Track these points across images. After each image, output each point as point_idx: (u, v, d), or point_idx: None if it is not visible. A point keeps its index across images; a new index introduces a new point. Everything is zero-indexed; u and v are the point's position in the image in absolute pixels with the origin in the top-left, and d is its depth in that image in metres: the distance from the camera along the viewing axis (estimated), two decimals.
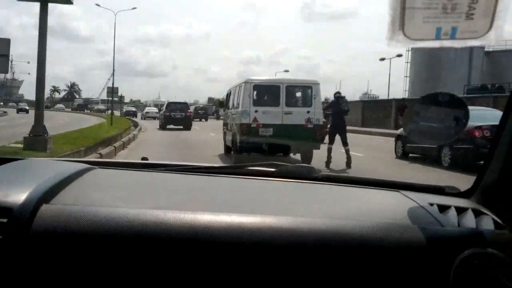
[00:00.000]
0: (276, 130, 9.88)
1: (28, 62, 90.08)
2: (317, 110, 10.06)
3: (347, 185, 1.26)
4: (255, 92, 10.14)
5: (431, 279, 0.85)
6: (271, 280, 0.85)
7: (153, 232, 0.85)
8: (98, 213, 0.88)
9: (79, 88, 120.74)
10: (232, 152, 10.88)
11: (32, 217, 0.85)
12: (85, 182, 1.08)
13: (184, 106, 28.39)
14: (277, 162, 1.37)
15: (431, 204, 1.06)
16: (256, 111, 9.89)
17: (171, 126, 26.18)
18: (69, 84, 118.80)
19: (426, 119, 1.02)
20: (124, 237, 0.84)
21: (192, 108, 46.09)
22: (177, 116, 26.78)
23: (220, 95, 9.58)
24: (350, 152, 9.81)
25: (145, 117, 43.96)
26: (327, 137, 10.32)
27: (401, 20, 0.84)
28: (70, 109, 76.50)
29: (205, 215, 0.89)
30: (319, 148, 10.04)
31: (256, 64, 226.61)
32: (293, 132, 9.83)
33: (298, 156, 10.58)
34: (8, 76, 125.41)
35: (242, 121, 9.88)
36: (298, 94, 10.81)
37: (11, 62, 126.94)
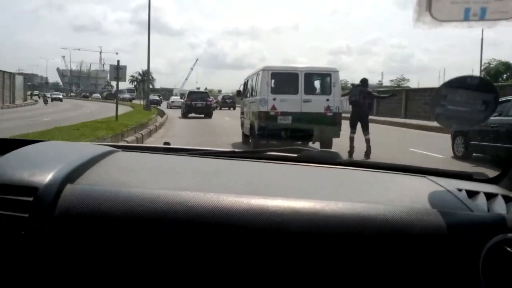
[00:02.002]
0: (295, 118, 9.84)
1: (117, 53, 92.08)
2: (336, 98, 9.99)
3: (373, 170, 1.24)
4: (273, 80, 10.11)
5: (460, 264, 0.85)
6: (292, 263, 0.85)
7: (176, 213, 0.86)
8: (121, 193, 0.89)
9: (152, 77, 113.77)
10: (250, 140, 10.89)
11: (57, 196, 0.87)
12: (108, 164, 1.09)
13: (205, 95, 29.46)
14: (300, 147, 1.37)
15: (460, 190, 1.04)
16: (274, 99, 9.87)
17: (193, 115, 27.42)
18: (141, 72, 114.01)
19: (453, 103, 1.00)
20: (148, 218, 0.85)
21: (220, 97, 46.84)
22: (198, 104, 27.79)
23: None
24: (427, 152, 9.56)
25: (171, 106, 45.28)
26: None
27: (428, 1, 0.83)
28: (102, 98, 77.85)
29: (229, 196, 0.90)
30: (338, 136, 9.98)
31: (345, 53, 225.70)
32: (312, 120, 9.78)
33: (317, 145, 10.53)
34: (95, 67, 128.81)
35: (260, 109, 9.88)
36: (317, 82, 10.74)
37: (100, 53, 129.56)
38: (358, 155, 9.42)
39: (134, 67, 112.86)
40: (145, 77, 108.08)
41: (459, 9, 0.82)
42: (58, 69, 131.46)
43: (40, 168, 0.93)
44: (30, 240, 0.83)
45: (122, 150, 1.26)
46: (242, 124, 12.41)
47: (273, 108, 9.85)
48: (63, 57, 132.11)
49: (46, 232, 0.84)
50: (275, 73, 10.18)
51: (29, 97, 58.03)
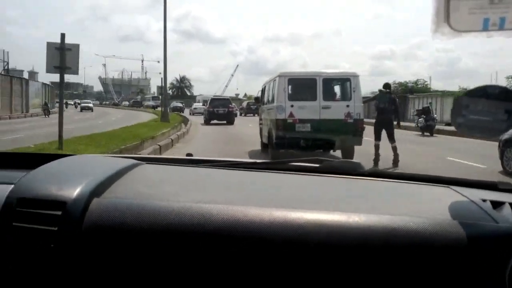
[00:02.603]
0: (313, 125, 9.54)
1: (158, 62, 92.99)
2: (357, 104, 9.63)
3: (395, 180, 1.25)
4: (290, 86, 9.85)
5: (485, 277, 0.84)
6: (316, 276, 0.85)
7: (200, 226, 0.87)
8: (146, 207, 0.91)
9: (190, 84, 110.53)
10: (269, 149, 10.57)
11: (84, 210, 0.90)
12: (133, 176, 1.12)
13: (226, 101, 29.80)
14: (321, 158, 1.38)
15: (484, 200, 1.02)
16: (292, 106, 9.58)
17: (215, 121, 27.74)
18: (179, 78, 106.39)
19: (475, 112, 1.00)
20: (172, 231, 0.87)
21: (245, 103, 47.25)
22: (220, 111, 28.11)
23: None
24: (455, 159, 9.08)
25: (193, 112, 46.39)
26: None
27: (446, 12, 0.84)
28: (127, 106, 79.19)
29: (252, 209, 0.91)
30: (360, 144, 9.60)
31: (389, 58, 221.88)
32: (332, 127, 9.44)
33: (338, 153, 10.12)
34: (137, 76, 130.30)
35: (278, 116, 9.60)
36: (337, 88, 10.36)
37: (142, 61, 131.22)
38: (385, 164, 9.00)
39: (176, 75, 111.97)
40: (182, 84, 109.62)
41: (478, 19, 0.83)
42: (100, 78, 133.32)
43: (68, 182, 0.97)
44: (59, 252, 0.85)
45: (146, 163, 1.29)
46: (261, 132, 12.12)
47: (291, 115, 9.56)
48: (104, 65, 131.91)
49: (74, 245, 0.86)
50: (292, 79, 9.89)
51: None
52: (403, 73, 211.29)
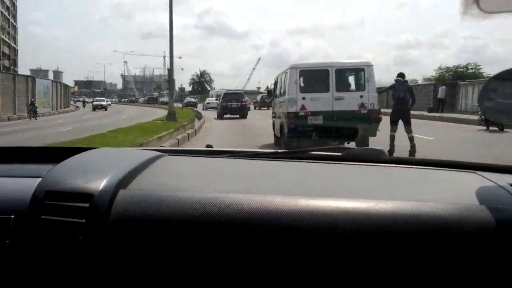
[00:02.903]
0: (326, 117, 9.34)
1: (180, 58, 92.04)
2: (371, 94, 9.40)
3: (419, 167, 1.24)
4: (301, 78, 9.66)
5: None
6: (345, 264, 0.85)
7: (225, 215, 0.88)
8: (171, 197, 0.92)
9: (210, 78, 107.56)
10: (281, 142, 10.41)
11: (111, 202, 0.91)
12: (157, 168, 1.13)
13: (239, 96, 30.02)
14: (343, 146, 1.37)
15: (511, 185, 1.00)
16: (303, 98, 9.40)
17: (228, 116, 27.81)
18: (199, 74, 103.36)
19: (503, 96, 0.98)
20: (198, 221, 0.88)
21: (259, 97, 47.40)
22: (233, 105, 28.28)
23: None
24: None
25: (206, 107, 46.11)
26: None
27: None
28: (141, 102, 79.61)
29: (277, 197, 0.91)
30: (375, 135, 9.39)
31: (414, 48, 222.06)
32: (346, 119, 9.20)
33: (352, 145, 9.90)
34: (159, 72, 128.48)
35: (289, 109, 9.44)
36: (350, 78, 10.12)
37: (164, 58, 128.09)
38: (402, 155, 8.74)
39: (197, 71, 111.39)
40: (202, 79, 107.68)
41: (508, 0, 0.82)
42: (122, 75, 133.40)
43: (94, 174, 0.98)
44: (87, 244, 0.86)
45: (168, 155, 1.30)
46: (274, 125, 11.95)
47: (303, 108, 9.38)
48: (125, 62, 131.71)
49: (102, 237, 0.87)
50: (304, 70, 9.71)
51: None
52: (428, 62, 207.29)
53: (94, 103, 53.59)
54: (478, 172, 1.13)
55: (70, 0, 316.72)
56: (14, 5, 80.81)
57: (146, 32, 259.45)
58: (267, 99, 41.90)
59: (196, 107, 49.55)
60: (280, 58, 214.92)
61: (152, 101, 76.50)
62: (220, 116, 28.34)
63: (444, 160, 1.26)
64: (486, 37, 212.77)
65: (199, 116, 26.03)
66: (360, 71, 9.65)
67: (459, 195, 0.95)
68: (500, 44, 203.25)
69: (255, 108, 44.90)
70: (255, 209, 0.87)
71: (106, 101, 56.97)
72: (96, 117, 34.06)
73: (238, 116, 27.49)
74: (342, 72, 9.82)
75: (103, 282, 0.86)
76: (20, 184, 0.99)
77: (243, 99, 29.33)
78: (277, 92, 11.50)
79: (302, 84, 9.65)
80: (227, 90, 40.19)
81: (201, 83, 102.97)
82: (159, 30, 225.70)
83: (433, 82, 34.77)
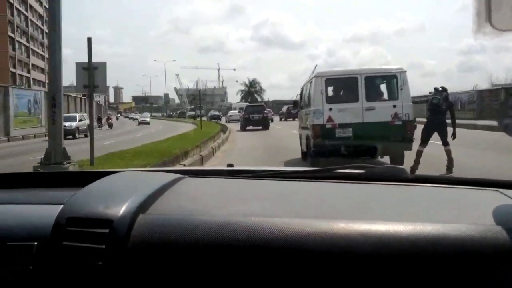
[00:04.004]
0: (356, 130, 8.56)
1: (234, 70, 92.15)
2: (405, 104, 8.55)
3: (441, 185, 1.26)
4: (328, 88, 8.84)
5: None
6: (361, 287, 0.84)
7: (243, 240, 0.88)
8: (189, 222, 0.93)
9: (261, 88, 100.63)
10: (308, 158, 9.64)
11: (130, 227, 0.92)
12: (176, 191, 1.16)
13: (261, 108, 31.15)
14: (364, 164, 1.37)
15: None
16: (330, 109, 8.64)
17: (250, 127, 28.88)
18: (248, 83, 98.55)
19: None
20: (215, 246, 0.88)
21: (285, 108, 47.55)
22: (255, 117, 29.48)
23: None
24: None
25: (229, 120, 48.05)
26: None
27: (487, 11, 0.83)
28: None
29: (295, 220, 0.92)
30: (410, 149, 8.49)
31: (478, 53, 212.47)
32: (377, 131, 8.38)
33: (386, 159, 9.03)
34: (213, 85, 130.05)
35: (315, 121, 8.70)
36: (381, 86, 9.28)
37: (218, 70, 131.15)
38: (439, 170, 7.80)
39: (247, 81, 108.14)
40: (251, 89, 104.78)
41: None
42: (175, 89, 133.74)
43: (114, 200, 1.00)
44: (108, 269, 0.88)
45: (188, 176, 1.33)
46: (300, 138, 11.18)
47: (330, 120, 8.61)
48: (177, 75, 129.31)
49: (121, 262, 0.88)
50: (330, 79, 8.96)
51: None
52: (494, 67, 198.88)
53: (140, 119, 62.04)
54: (501, 190, 1.14)
55: (129, 17, 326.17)
56: None
57: (204, 45, 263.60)
58: (293, 110, 41.48)
59: (220, 120, 52.76)
60: (337, 67, 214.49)
61: (182, 116, 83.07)
62: (243, 128, 29.16)
63: (467, 178, 1.27)
64: None
65: (224, 129, 25.90)
66: (392, 78, 8.81)
67: (481, 215, 0.95)
68: None
69: (280, 119, 45.03)
70: (273, 233, 0.89)
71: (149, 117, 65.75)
72: (128, 131, 33.64)
73: (260, 127, 28.53)
74: (373, 80, 8.99)
75: None
76: (43, 210, 1.03)
77: (264, 111, 30.23)
78: (302, 102, 10.76)
79: (328, 94, 8.90)
80: (249, 103, 40.82)
81: (250, 93, 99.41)
82: (216, 43, 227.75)
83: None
